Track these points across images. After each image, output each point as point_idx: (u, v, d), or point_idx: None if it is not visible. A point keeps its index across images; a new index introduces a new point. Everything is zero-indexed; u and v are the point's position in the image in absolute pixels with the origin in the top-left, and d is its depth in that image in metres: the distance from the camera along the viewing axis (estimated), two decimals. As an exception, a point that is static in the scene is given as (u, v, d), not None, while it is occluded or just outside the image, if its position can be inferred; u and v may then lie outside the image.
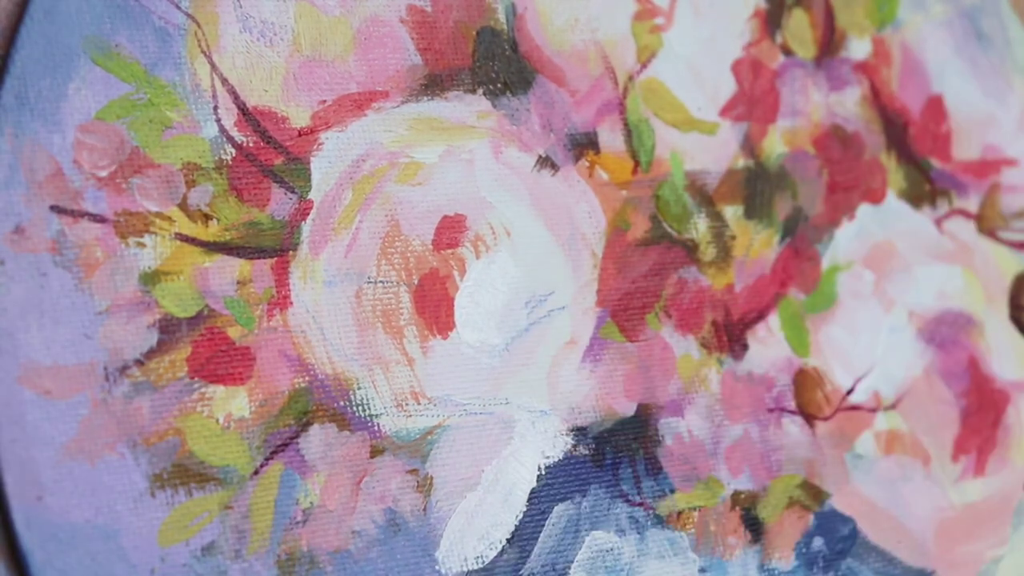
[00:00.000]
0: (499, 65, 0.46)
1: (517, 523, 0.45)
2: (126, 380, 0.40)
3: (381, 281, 0.44)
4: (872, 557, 0.50)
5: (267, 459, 0.42)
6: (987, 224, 0.54)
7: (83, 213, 0.40)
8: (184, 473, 0.40)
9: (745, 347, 0.49)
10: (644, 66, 0.49)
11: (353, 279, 0.43)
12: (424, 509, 0.43)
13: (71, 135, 0.40)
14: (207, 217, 0.42)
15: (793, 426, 0.49)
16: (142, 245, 0.41)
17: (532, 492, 0.45)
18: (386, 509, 0.43)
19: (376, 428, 0.43)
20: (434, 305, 0.45)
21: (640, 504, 0.46)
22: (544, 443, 0.45)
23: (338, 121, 0.44)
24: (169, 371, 0.41)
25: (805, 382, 0.50)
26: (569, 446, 0.46)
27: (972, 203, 0.54)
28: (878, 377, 0.51)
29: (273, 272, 0.42)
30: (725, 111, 0.50)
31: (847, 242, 0.51)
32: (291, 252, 0.43)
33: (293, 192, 0.43)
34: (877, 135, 0.52)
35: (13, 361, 0.39)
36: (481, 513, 0.44)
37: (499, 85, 0.46)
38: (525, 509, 0.45)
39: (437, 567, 0.43)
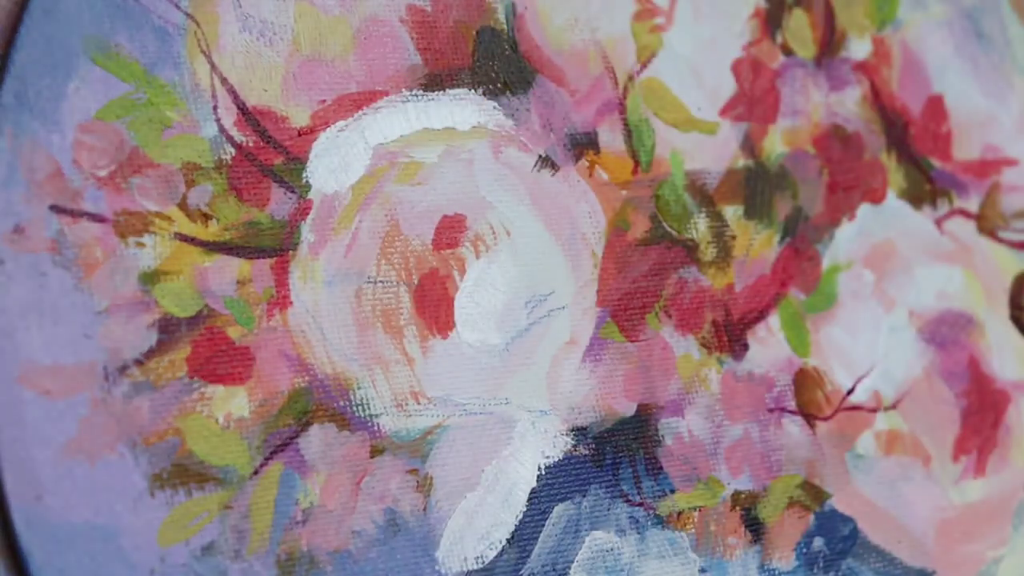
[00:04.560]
0: (499, 65, 0.46)
1: (517, 523, 0.45)
2: (126, 380, 0.40)
3: (381, 281, 0.44)
4: (872, 557, 0.50)
5: (267, 459, 0.42)
6: (987, 224, 0.54)
7: (83, 213, 0.40)
8: (184, 473, 0.40)
9: (745, 347, 0.49)
10: (644, 66, 0.49)
11: (353, 279, 0.43)
12: (424, 509, 0.43)
13: (71, 135, 0.40)
14: (207, 217, 0.42)
15: (793, 426, 0.49)
16: (142, 245, 0.41)
17: (532, 492, 0.45)
18: (386, 509, 0.43)
19: (376, 428, 0.43)
20: (434, 305, 0.45)
21: (640, 504, 0.46)
22: (544, 443, 0.45)
23: (338, 121, 0.44)
24: (169, 371, 0.41)
25: (805, 382, 0.50)
26: (569, 446, 0.46)
27: (972, 203, 0.54)
28: (878, 377, 0.51)
29: (273, 272, 0.42)
30: (725, 111, 0.50)
31: (847, 242, 0.51)
32: (291, 252, 0.43)
33: (293, 192, 0.43)
34: (877, 135, 0.52)
35: (13, 361, 0.39)
36: (481, 513, 0.44)
37: (499, 85, 0.46)
38: (525, 509, 0.45)
39: (437, 567, 0.43)
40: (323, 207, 0.43)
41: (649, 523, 0.46)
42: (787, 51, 0.51)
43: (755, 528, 0.48)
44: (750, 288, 0.49)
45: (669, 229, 0.48)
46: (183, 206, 0.41)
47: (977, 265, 0.53)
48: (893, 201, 0.52)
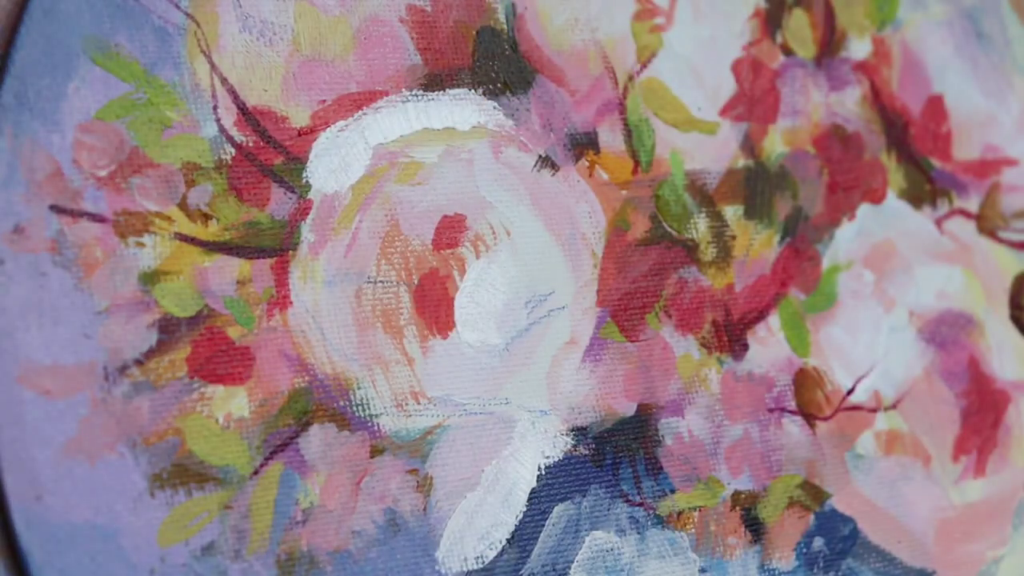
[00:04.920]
0: (499, 65, 0.46)
1: (517, 523, 0.45)
2: (126, 380, 0.40)
3: (381, 281, 0.44)
4: (872, 557, 0.50)
5: (267, 459, 0.41)
6: (987, 224, 0.54)
7: (82, 213, 0.40)
8: (184, 473, 0.40)
9: (745, 347, 0.49)
10: (644, 66, 0.49)
11: (353, 279, 0.43)
12: (424, 509, 0.43)
13: (70, 135, 0.40)
14: (207, 217, 0.42)
15: (793, 426, 0.49)
16: (141, 245, 0.41)
17: (532, 492, 0.45)
18: (386, 509, 0.43)
19: (376, 428, 0.43)
20: (434, 305, 0.45)
21: (640, 504, 0.46)
22: (544, 443, 0.45)
23: (338, 121, 0.44)
24: (169, 371, 0.41)
25: (805, 382, 0.50)
26: (569, 446, 0.46)
27: (972, 203, 0.54)
28: (878, 377, 0.51)
29: (273, 272, 0.42)
30: (725, 111, 0.50)
31: (847, 242, 0.51)
32: (291, 252, 0.43)
33: (293, 192, 0.43)
34: (877, 135, 0.52)
35: (13, 361, 0.39)
36: (481, 513, 0.44)
37: (499, 85, 0.46)
38: (525, 509, 0.45)
39: (437, 567, 0.43)
40: (323, 207, 0.43)
41: (649, 523, 0.46)
42: (787, 51, 0.51)
43: (755, 528, 0.48)
44: (750, 288, 0.49)
45: (669, 229, 0.48)
46: (183, 206, 0.41)
47: (977, 265, 0.53)
48: (893, 201, 0.52)
